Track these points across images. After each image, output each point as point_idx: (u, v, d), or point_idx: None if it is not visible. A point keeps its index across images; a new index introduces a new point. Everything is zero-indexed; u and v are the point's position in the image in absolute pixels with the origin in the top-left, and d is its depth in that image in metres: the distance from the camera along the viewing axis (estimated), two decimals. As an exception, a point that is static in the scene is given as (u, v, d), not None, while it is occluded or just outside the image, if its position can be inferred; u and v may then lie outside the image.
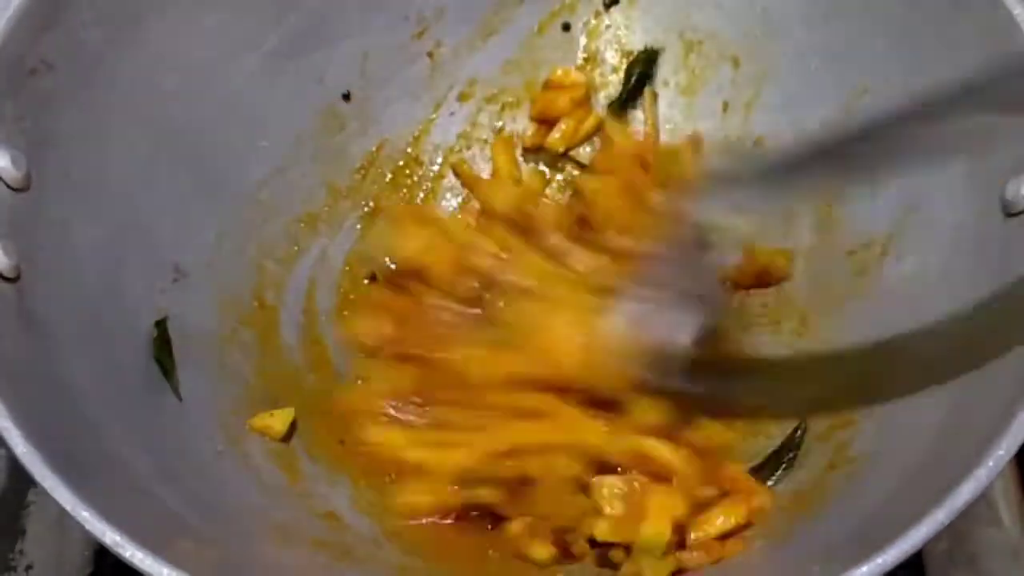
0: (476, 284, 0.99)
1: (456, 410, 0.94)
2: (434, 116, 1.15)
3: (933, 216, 0.92)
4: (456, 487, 0.91)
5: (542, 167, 1.15)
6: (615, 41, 1.14)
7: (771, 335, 1.02)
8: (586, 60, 1.14)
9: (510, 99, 1.15)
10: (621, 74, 1.14)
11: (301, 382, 1.03)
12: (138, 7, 0.94)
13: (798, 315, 1.01)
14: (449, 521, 0.93)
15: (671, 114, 1.13)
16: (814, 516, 0.84)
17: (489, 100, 1.15)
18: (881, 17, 0.97)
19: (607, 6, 1.13)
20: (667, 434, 0.91)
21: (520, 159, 1.15)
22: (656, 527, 0.84)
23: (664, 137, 1.13)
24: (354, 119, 1.12)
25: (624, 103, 1.13)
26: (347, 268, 1.10)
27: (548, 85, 1.14)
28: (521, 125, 1.15)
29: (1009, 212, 0.83)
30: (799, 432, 0.93)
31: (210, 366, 0.97)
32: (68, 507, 0.69)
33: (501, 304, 0.97)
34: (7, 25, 0.85)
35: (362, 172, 1.13)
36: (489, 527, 0.93)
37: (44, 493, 0.70)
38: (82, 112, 0.91)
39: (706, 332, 0.93)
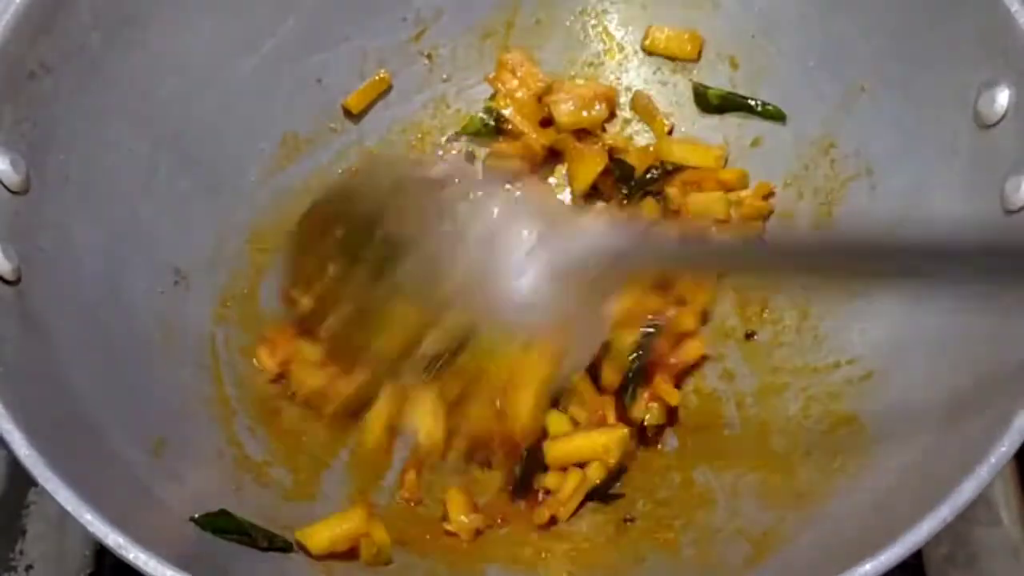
0: None
1: None
2: (432, 117, 1.14)
3: (933, 214, 0.92)
4: None
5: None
6: (613, 44, 1.14)
7: (772, 331, 1.02)
8: (583, 62, 1.15)
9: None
10: (615, 77, 1.14)
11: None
12: (136, 9, 0.94)
13: (798, 312, 1.01)
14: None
15: (670, 115, 1.13)
16: (817, 514, 0.84)
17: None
18: (879, 16, 0.97)
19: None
20: None
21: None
22: None
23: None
24: (353, 121, 1.12)
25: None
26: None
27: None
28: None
29: (1008, 209, 0.83)
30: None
31: (210, 367, 0.97)
32: (70, 509, 0.69)
33: None
34: (5, 28, 0.84)
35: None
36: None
37: (44, 493, 0.70)
38: (81, 115, 0.91)
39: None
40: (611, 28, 1.14)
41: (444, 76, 1.14)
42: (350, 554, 0.88)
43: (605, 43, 1.14)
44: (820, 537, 0.80)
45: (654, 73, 1.13)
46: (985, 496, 1.00)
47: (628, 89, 1.14)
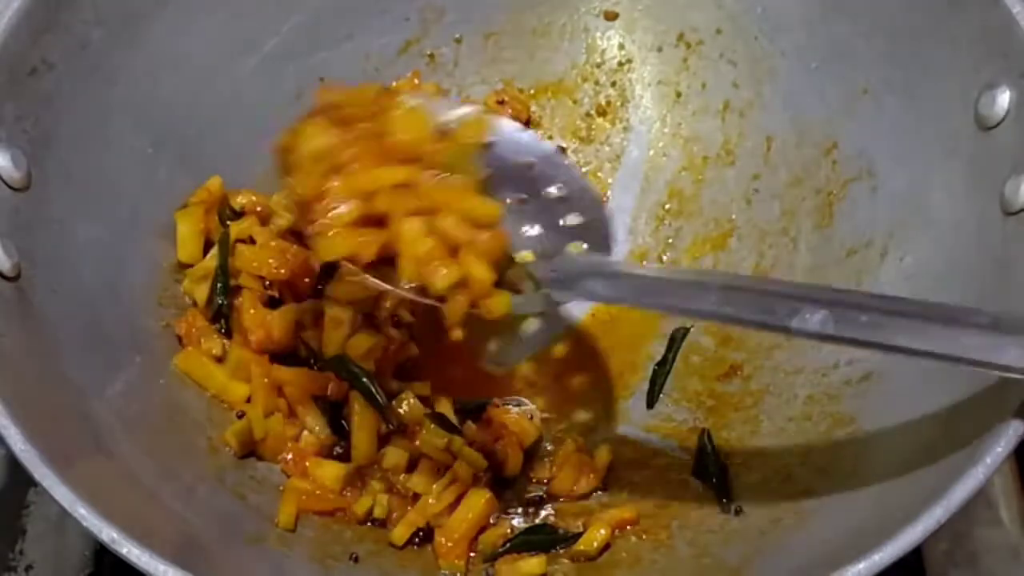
0: None
1: None
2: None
3: (933, 215, 0.92)
4: None
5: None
6: (615, 43, 1.14)
7: (771, 331, 1.01)
8: (586, 62, 1.15)
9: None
10: (618, 78, 1.14)
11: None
12: (139, 7, 0.95)
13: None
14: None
15: (671, 115, 1.13)
16: (814, 514, 0.84)
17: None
18: (880, 16, 0.97)
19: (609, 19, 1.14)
20: None
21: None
22: None
23: (663, 137, 1.13)
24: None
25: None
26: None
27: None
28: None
29: (1008, 211, 0.82)
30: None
31: (209, 365, 0.97)
32: (66, 504, 0.69)
33: None
34: (8, 25, 0.85)
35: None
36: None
37: (44, 493, 0.70)
38: (83, 112, 0.91)
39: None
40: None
41: (445, 76, 1.14)
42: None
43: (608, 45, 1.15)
44: (816, 536, 0.80)
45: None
46: (985, 496, 1.01)
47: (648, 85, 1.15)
